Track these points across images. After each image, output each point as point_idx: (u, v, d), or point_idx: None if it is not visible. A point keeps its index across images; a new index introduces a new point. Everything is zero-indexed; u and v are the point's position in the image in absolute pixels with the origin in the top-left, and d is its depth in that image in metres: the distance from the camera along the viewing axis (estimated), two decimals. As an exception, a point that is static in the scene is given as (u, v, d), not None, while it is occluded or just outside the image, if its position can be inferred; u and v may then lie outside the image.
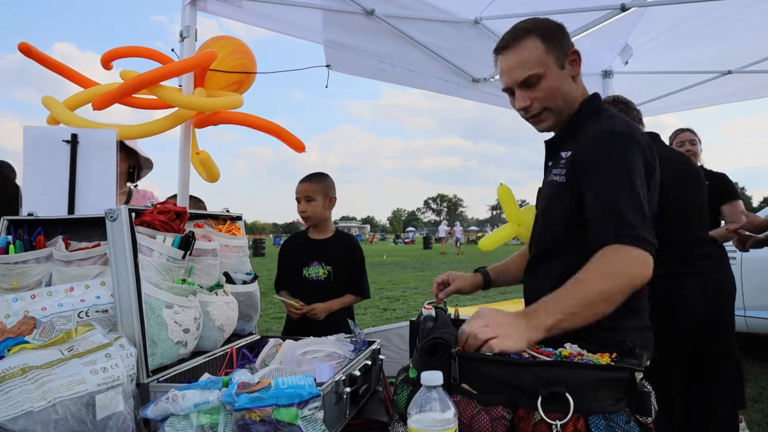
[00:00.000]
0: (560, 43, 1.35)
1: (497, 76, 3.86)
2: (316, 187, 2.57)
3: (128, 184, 2.64)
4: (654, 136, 2.50)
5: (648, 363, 1.03)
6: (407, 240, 61.29)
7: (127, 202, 2.47)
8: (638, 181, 1.19)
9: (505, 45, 1.36)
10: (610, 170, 1.21)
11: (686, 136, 3.52)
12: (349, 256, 2.63)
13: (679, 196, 2.29)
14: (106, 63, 2.37)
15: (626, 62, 3.79)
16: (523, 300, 1.48)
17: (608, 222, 1.15)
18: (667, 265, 1.78)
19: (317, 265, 2.55)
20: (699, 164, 3.47)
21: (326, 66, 2.99)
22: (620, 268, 1.10)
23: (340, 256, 2.59)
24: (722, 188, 3.38)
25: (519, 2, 3.15)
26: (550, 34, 1.34)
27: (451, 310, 1.50)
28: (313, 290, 2.50)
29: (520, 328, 1.01)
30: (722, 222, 3.42)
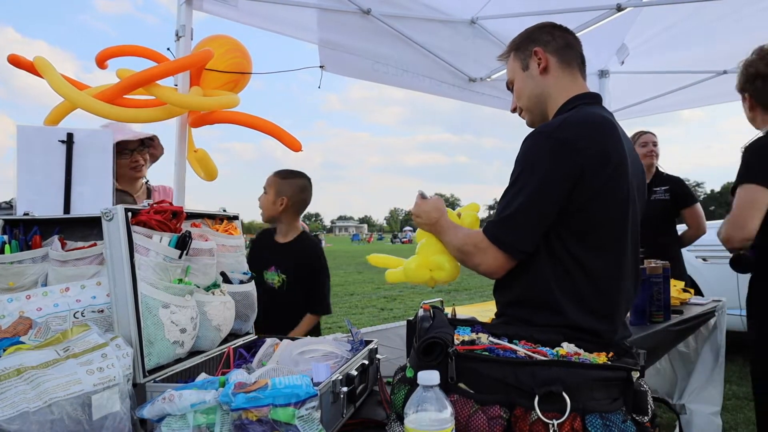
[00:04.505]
0: (524, 47, 1.48)
1: (494, 76, 3.90)
2: (271, 180, 2.43)
3: (145, 181, 2.65)
4: None
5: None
6: (404, 240, 61.30)
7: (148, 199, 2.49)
8: (526, 181, 1.27)
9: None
10: (512, 173, 1.32)
11: (649, 138, 3.57)
12: (308, 265, 2.40)
13: None
14: (101, 62, 2.36)
15: (622, 62, 3.80)
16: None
17: (493, 216, 1.35)
18: None
19: (273, 270, 2.39)
20: (655, 168, 3.55)
21: (320, 67, 2.99)
22: (473, 246, 1.34)
23: (297, 265, 2.38)
24: (681, 192, 3.46)
25: (515, 2, 3.15)
26: (518, 44, 1.50)
27: (448, 310, 1.50)
28: (268, 297, 2.13)
29: (430, 224, 1.46)
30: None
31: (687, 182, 3.56)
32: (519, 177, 1.29)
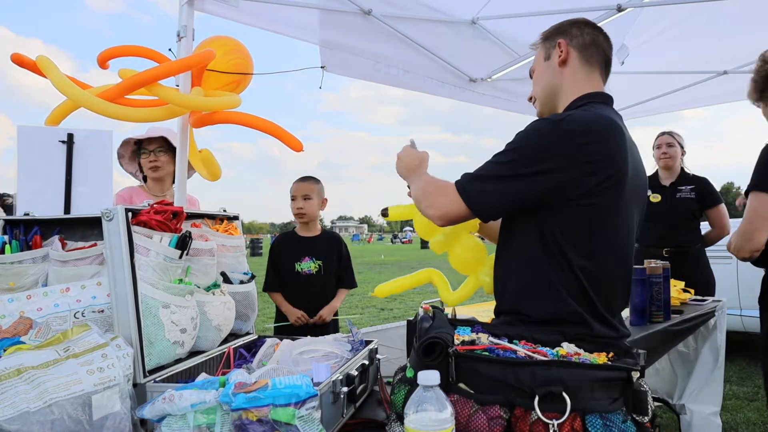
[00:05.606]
0: (552, 38, 1.49)
1: (494, 76, 3.89)
2: (314, 187, 2.83)
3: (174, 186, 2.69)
4: None
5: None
6: (404, 240, 61.29)
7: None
8: (517, 157, 1.26)
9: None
10: (507, 143, 1.31)
11: (663, 140, 3.62)
12: (337, 251, 2.91)
13: None
14: (103, 62, 2.36)
15: (623, 62, 3.79)
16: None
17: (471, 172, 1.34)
18: None
19: (308, 260, 2.82)
20: (678, 168, 3.59)
21: (321, 67, 2.99)
22: (435, 188, 1.37)
23: (329, 252, 2.87)
24: (707, 193, 3.47)
25: (516, 2, 3.15)
26: (548, 34, 1.51)
27: (448, 310, 1.50)
28: (305, 283, 2.77)
29: (407, 169, 1.52)
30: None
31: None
32: (511, 150, 1.28)
